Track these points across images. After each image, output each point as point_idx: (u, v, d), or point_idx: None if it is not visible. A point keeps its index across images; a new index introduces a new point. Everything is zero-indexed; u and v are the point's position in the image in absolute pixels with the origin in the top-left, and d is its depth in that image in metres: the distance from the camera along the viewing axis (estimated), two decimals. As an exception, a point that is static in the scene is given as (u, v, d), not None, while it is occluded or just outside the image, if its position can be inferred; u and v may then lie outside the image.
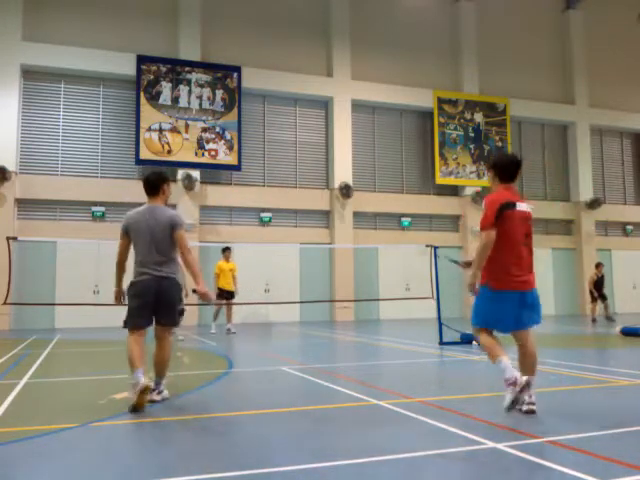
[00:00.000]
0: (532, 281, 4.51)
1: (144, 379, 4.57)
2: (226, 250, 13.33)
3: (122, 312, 5.27)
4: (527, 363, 4.51)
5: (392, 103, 20.50)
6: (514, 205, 4.43)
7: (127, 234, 5.06)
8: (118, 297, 5.34)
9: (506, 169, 4.57)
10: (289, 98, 19.57)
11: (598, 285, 16.70)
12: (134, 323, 5.02)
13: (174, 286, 5.03)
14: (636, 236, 23.75)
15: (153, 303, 4.98)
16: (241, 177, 18.74)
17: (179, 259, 5.10)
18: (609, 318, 16.22)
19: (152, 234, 4.94)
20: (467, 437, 3.72)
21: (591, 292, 16.75)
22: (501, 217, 4.37)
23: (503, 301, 4.43)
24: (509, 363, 4.34)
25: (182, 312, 5.38)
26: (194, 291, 5.20)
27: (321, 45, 19.97)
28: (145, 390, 4.54)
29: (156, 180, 5.10)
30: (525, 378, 4.21)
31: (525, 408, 4.33)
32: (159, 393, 5.05)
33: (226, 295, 13.08)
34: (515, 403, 4.24)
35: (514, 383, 4.19)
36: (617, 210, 23.55)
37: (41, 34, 16.84)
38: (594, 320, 16.02)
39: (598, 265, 17.02)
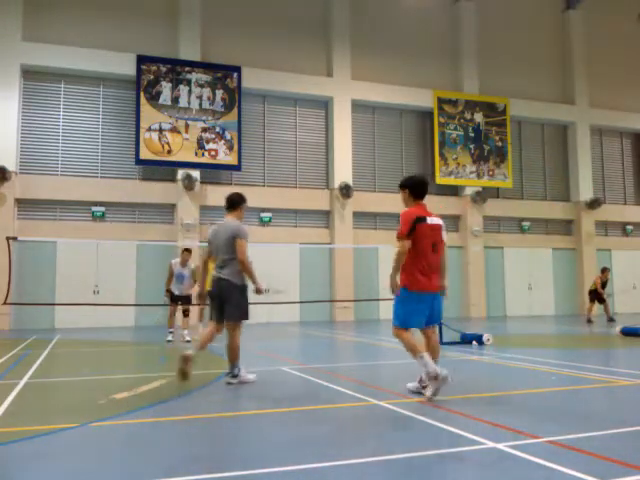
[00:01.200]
0: (440, 285, 5.29)
1: (190, 351, 5.70)
2: None
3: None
4: (433, 352, 5.21)
5: (392, 103, 20.50)
6: (425, 219, 5.18)
7: (210, 244, 6.18)
8: (201, 298, 6.33)
9: (417, 188, 5.33)
10: (289, 98, 19.57)
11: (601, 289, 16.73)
12: (211, 316, 6.13)
13: (230, 286, 5.90)
14: (636, 236, 23.75)
15: (218, 300, 6.01)
16: (241, 177, 18.74)
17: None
18: (611, 319, 16.22)
19: (220, 242, 5.99)
20: (467, 437, 3.72)
21: (594, 293, 16.71)
22: (414, 230, 5.11)
23: (418, 301, 5.12)
24: (430, 359, 4.96)
25: (244, 311, 6.07)
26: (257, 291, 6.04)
27: (321, 45, 19.97)
28: (185, 359, 5.57)
29: (237, 201, 6.22)
30: (445, 372, 4.87)
31: (428, 393, 4.99)
32: (234, 377, 5.99)
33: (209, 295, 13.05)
34: (436, 393, 4.92)
35: (436, 377, 4.87)
36: (617, 210, 23.55)
37: (41, 34, 16.84)
38: (589, 320, 16.04)
39: (604, 270, 17.01)
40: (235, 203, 6.19)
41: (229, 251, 5.90)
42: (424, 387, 5.13)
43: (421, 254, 5.13)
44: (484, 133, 21.46)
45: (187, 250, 11.46)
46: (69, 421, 4.37)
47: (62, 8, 17.23)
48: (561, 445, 3.52)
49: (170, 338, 11.01)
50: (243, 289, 5.98)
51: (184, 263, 11.15)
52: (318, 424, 4.28)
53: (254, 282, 5.91)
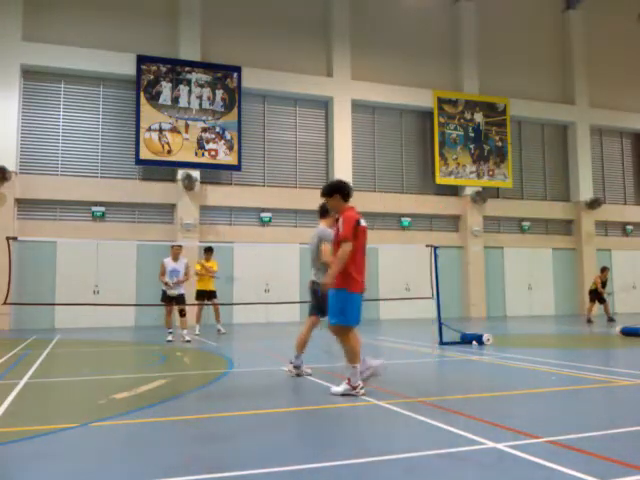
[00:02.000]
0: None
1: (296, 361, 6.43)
2: (207, 251, 13.21)
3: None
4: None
5: (392, 103, 20.49)
6: (360, 222, 5.45)
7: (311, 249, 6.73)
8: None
9: (348, 192, 5.68)
10: (289, 98, 19.57)
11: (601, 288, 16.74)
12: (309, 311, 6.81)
13: (318, 287, 6.36)
14: (636, 236, 23.75)
15: (312, 298, 6.63)
16: (241, 177, 18.74)
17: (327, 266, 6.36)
18: (611, 319, 16.22)
19: (313, 247, 6.61)
20: (467, 437, 3.72)
21: (594, 293, 16.74)
22: (356, 232, 5.33)
23: (356, 301, 5.38)
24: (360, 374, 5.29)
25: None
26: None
27: (321, 45, 19.97)
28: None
29: (327, 209, 6.77)
30: (362, 391, 5.17)
31: (360, 392, 5.23)
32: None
33: (207, 296, 12.99)
34: (340, 394, 5.16)
35: (356, 388, 5.17)
36: (617, 210, 23.55)
37: (41, 34, 16.84)
38: (589, 320, 16.03)
39: (604, 269, 17.01)
40: (325, 211, 6.85)
41: (317, 255, 6.53)
42: (354, 388, 5.22)
43: (359, 256, 5.41)
44: (484, 133, 21.47)
45: (177, 245, 11.73)
46: (69, 421, 4.37)
47: (62, 8, 17.23)
48: (561, 445, 3.52)
49: (170, 338, 11.03)
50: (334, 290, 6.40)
51: (176, 257, 11.34)
52: (318, 424, 4.28)
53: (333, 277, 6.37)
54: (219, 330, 13.09)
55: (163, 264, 11.30)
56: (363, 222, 5.49)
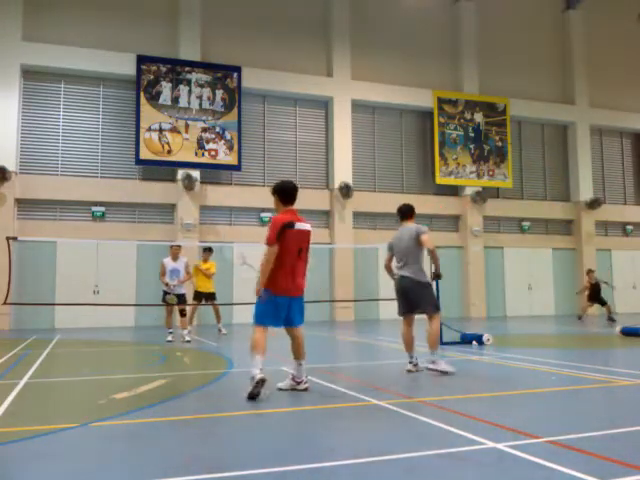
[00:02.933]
0: (301, 289, 5.50)
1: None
2: (206, 250, 13.00)
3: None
4: (299, 351, 5.52)
5: (392, 103, 20.50)
6: (292, 225, 5.33)
7: (391, 249, 6.98)
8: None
9: (287, 194, 5.52)
10: (289, 98, 19.57)
11: (595, 292, 16.76)
12: (399, 311, 6.93)
13: (415, 284, 6.64)
14: (636, 236, 23.75)
15: (404, 297, 6.76)
16: (241, 177, 18.74)
17: (420, 263, 6.70)
18: (611, 319, 16.24)
19: (400, 246, 6.77)
20: (467, 437, 3.72)
21: (589, 296, 16.85)
22: (282, 235, 5.25)
23: (276, 304, 5.33)
24: (259, 362, 5.18)
25: (434, 302, 6.80)
26: (437, 275, 6.88)
27: (321, 45, 19.97)
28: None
29: (408, 210, 7.10)
30: (260, 376, 5.04)
31: (302, 387, 5.43)
32: (432, 362, 6.55)
33: (205, 297, 12.77)
34: (252, 396, 5.02)
35: (252, 379, 5.08)
36: (617, 210, 23.55)
37: (41, 34, 16.84)
38: (579, 317, 16.16)
39: (588, 272, 17.05)
40: (408, 212, 7.08)
41: (411, 251, 6.65)
42: (298, 383, 5.45)
43: (287, 259, 5.32)
44: (484, 133, 21.46)
45: (175, 245, 11.69)
46: (69, 421, 4.37)
47: (62, 8, 17.23)
48: (561, 445, 3.51)
49: (170, 338, 11.02)
50: (428, 285, 6.72)
51: (175, 257, 11.30)
52: (318, 424, 4.28)
53: (437, 267, 6.77)
54: (220, 330, 13.03)
55: (163, 264, 11.27)
56: (299, 225, 5.41)
